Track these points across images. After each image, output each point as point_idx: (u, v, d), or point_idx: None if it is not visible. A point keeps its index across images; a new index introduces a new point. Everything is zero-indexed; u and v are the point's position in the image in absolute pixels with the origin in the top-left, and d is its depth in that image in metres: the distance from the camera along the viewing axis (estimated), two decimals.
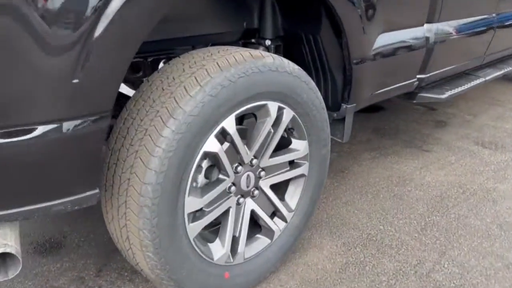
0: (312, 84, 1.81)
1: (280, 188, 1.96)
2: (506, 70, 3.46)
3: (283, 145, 1.86)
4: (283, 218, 1.93)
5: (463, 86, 2.90)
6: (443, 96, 2.72)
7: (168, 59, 2.08)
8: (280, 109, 1.73)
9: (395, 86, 2.36)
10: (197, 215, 1.62)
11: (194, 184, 1.65)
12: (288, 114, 1.76)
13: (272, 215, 1.93)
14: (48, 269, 2.07)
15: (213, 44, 2.06)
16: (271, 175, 1.84)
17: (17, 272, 1.27)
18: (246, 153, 1.68)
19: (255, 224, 1.90)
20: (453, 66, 2.83)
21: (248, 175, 1.74)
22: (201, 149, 1.50)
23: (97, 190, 1.32)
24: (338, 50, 2.02)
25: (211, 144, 1.52)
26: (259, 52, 1.62)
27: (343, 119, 2.18)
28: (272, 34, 2.09)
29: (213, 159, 1.61)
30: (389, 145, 3.33)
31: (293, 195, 1.96)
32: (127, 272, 2.03)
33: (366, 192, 2.66)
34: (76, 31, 1.12)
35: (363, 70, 2.07)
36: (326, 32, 2.01)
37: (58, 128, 1.18)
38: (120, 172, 1.46)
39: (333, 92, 2.15)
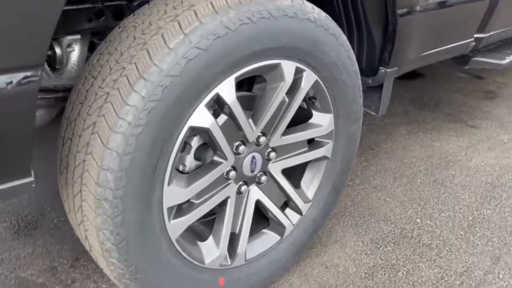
0: (343, 38, 1.36)
1: (294, 173, 1.55)
2: None
3: (301, 118, 1.44)
4: (297, 210, 1.53)
5: None
6: (504, 62, 2.21)
7: None
8: (298, 71, 1.29)
9: (447, 46, 1.88)
10: (183, 208, 1.23)
11: (181, 168, 1.25)
12: (309, 79, 1.33)
13: (283, 206, 1.53)
14: (17, 255, 1.75)
15: None
16: (283, 157, 1.43)
17: None
18: (251, 129, 1.26)
19: (261, 216, 1.51)
20: None
21: (253, 157, 1.34)
22: (185, 123, 1.10)
23: (31, 178, 0.94)
24: None
25: (200, 117, 1.12)
26: None
27: (380, 86, 1.73)
28: None
29: (205, 136, 1.21)
30: (429, 119, 2.86)
31: (311, 182, 1.56)
32: None
33: (400, 175, 2.23)
34: None
35: (410, 23, 1.60)
36: None
37: None
38: (75, 151, 1.07)
39: (369, 52, 1.69)
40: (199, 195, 1.24)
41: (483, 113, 2.96)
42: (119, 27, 1.14)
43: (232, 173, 1.30)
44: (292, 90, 1.32)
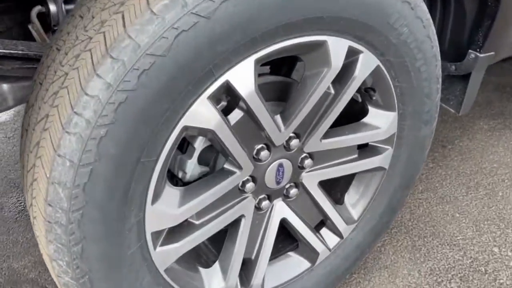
0: (423, 9, 0.96)
1: (336, 185, 1.20)
2: None
3: (351, 115, 1.07)
4: (337, 232, 1.19)
5: None
6: None
7: None
8: (352, 53, 0.92)
9: None
10: (176, 231, 0.92)
11: (181, 175, 0.94)
12: (367, 64, 0.96)
13: (319, 225, 1.19)
14: (15, 239, 1.56)
15: None
16: (323, 165, 1.08)
17: None
18: (278, 130, 0.92)
19: (287, 232, 1.17)
20: None
21: (280, 165, 1.00)
22: (178, 121, 0.77)
23: None
24: None
25: (201, 114, 0.79)
26: None
27: (466, 76, 1.30)
28: None
29: (212, 139, 0.88)
30: None
31: (358, 199, 1.20)
32: None
33: (476, 185, 1.80)
34: None
35: None
36: None
37: None
38: (28, 150, 0.78)
39: (456, 29, 1.25)
40: (201, 214, 0.93)
41: None
42: None
43: (250, 185, 0.97)
44: (342, 79, 0.95)
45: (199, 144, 0.92)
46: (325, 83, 0.92)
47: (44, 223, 0.75)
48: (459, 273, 1.44)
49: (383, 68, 0.98)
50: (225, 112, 0.87)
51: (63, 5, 1.04)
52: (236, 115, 0.87)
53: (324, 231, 1.20)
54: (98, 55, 0.68)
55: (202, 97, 0.77)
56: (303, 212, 1.12)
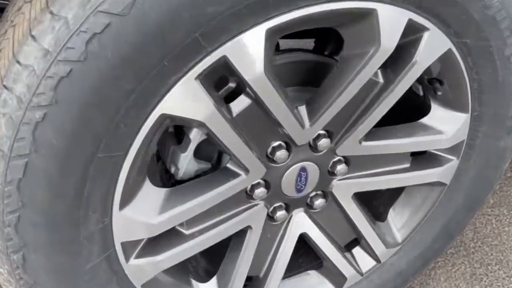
0: None
1: (377, 198, 0.95)
2: None
3: (408, 112, 0.82)
4: (373, 255, 0.95)
5: None
6: None
7: None
8: (413, 30, 0.68)
9: None
10: (157, 241, 0.74)
11: (173, 170, 0.75)
12: (433, 45, 0.71)
13: (351, 244, 0.96)
14: None
15: None
16: (361, 173, 0.84)
17: None
18: (298, 125, 0.70)
19: (309, 247, 0.96)
20: None
21: (302, 169, 0.78)
22: (153, 108, 0.57)
23: None
24: None
25: (184, 99, 0.58)
26: None
27: None
28: None
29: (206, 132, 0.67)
30: None
31: (406, 217, 0.95)
32: None
33: None
34: None
35: None
36: None
37: None
38: None
39: None
40: (192, 222, 0.74)
41: None
42: None
43: (260, 191, 0.77)
44: (395, 63, 0.70)
45: (196, 135, 0.71)
46: (370, 68, 0.67)
47: None
48: None
49: (457, 54, 0.71)
50: (227, 99, 0.66)
51: None
52: (241, 103, 0.65)
53: (357, 250, 0.97)
54: (37, 9, 0.49)
55: (188, 77, 0.56)
56: (330, 227, 0.90)
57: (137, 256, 0.71)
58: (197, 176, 0.77)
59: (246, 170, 0.72)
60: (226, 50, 0.56)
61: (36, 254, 0.61)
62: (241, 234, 0.82)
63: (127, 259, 0.70)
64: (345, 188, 0.85)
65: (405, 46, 0.68)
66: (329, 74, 0.71)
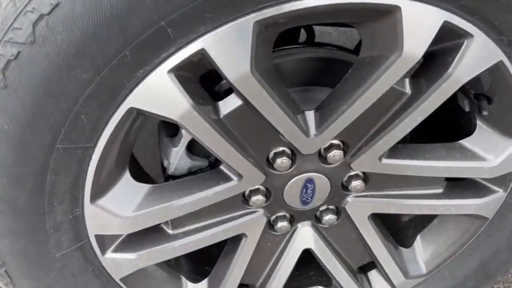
0: None
1: (406, 219, 0.83)
2: None
3: (449, 128, 0.70)
4: (389, 282, 0.83)
5: None
6: None
7: None
8: (450, 35, 0.55)
9: None
10: (136, 237, 0.69)
11: (165, 164, 0.70)
12: (478, 55, 0.58)
13: (367, 266, 0.85)
14: None
15: None
16: (381, 192, 0.72)
17: None
18: (301, 133, 0.61)
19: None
20: None
21: (309, 181, 0.69)
22: (122, 100, 0.51)
23: None
24: None
25: (155, 93, 0.52)
26: None
27: None
28: None
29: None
30: None
31: (435, 248, 0.83)
32: None
33: None
34: None
35: None
36: None
37: None
38: None
39: None
40: (178, 222, 0.68)
41: None
42: None
43: (258, 199, 0.69)
44: (428, 73, 0.58)
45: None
46: (390, 75, 0.55)
47: None
48: None
49: (510, 68, 0.56)
50: (219, 96, 0.58)
51: None
52: (230, 103, 0.57)
53: (374, 274, 0.86)
54: None
55: (159, 70, 0.49)
56: (342, 246, 0.80)
57: (115, 250, 0.67)
58: (193, 173, 0.71)
59: (239, 176, 0.64)
60: (204, 43, 0.48)
61: (1, 238, 0.59)
62: (237, 240, 0.75)
63: (103, 252, 0.66)
64: (360, 207, 0.74)
65: (441, 54, 0.55)
66: (342, 78, 0.60)
